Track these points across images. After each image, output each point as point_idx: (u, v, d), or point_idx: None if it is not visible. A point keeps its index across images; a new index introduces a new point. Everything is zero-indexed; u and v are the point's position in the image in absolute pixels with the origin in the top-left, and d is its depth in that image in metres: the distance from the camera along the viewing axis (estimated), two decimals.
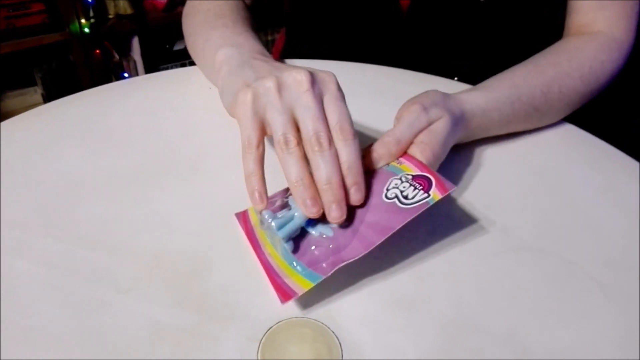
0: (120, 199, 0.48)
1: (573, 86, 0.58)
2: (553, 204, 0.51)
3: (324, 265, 0.41)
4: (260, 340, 0.38)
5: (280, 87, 0.41)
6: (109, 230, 0.45)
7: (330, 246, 0.41)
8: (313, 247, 0.42)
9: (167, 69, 1.83)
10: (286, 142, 0.40)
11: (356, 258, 0.40)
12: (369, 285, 0.42)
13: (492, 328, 0.40)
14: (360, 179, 0.41)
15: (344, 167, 0.41)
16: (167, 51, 1.80)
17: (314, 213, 0.40)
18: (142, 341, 0.38)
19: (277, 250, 0.42)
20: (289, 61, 0.67)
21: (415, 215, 0.40)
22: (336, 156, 0.41)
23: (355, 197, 0.41)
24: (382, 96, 0.64)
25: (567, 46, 0.62)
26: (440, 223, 0.47)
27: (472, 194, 0.51)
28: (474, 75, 0.70)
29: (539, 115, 0.57)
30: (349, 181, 0.41)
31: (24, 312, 0.39)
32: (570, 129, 0.61)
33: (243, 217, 0.46)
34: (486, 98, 0.53)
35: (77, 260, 0.43)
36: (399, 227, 0.40)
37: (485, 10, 0.67)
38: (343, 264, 0.40)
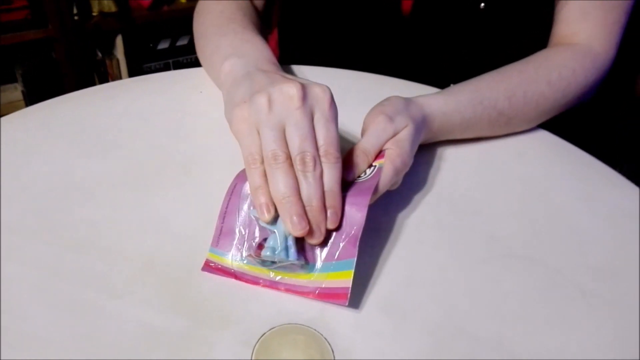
0: (113, 202, 0.48)
1: (540, 91, 0.59)
2: (537, 212, 0.52)
3: (343, 250, 0.42)
4: (254, 346, 0.38)
5: (271, 103, 0.42)
6: (102, 234, 0.45)
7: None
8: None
9: (150, 68, 1.81)
10: (274, 158, 0.41)
11: (362, 225, 0.42)
12: (360, 291, 0.43)
13: (480, 334, 0.41)
14: (337, 203, 0.42)
15: (325, 188, 0.42)
16: (151, 50, 1.78)
17: (299, 230, 0.40)
18: (135, 345, 0.38)
19: (291, 270, 0.43)
20: (285, 67, 0.67)
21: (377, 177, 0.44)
22: (320, 177, 0.42)
23: (331, 219, 0.42)
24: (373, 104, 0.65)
25: (538, 55, 0.63)
26: (429, 230, 0.48)
27: (458, 203, 0.52)
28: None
29: (505, 120, 0.59)
30: (327, 203, 0.42)
31: (17, 316, 0.39)
32: (551, 139, 0.62)
33: (214, 268, 0.43)
34: (446, 101, 0.55)
35: (69, 264, 0.43)
36: (374, 184, 0.44)
37: (485, 16, 0.68)
38: (358, 237, 0.42)
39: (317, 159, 0.42)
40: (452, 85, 0.72)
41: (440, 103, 0.55)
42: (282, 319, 0.40)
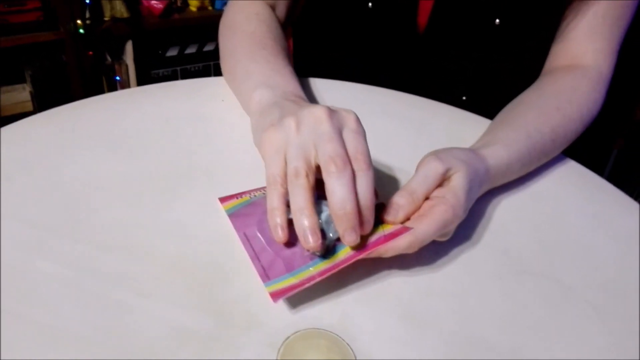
0: (140, 204, 0.50)
1: (575, 129, 0.61)
2: (550, 231, 0.54)
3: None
4: (279, 349, 0.39)
5: (299, 124, 0.43)
6: (130, 235, 0.47)
7: None
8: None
9: (158, 74, 1.83)
10: (296, 174, 0.41)
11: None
12: (381, 300, 0.44)
13: (495, 345, 0.42)
14: (369, 212, 0.42)
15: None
16: (160, 57, 1.80)
17: (309, 243, 0.41)
18: (163, 344, 0.39)
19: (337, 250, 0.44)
20: (300, 80, 0.69)
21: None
22: (352, 178, 0.41)
23: (362, 229, 0.42)
24: (391, 120, 0.67)
25: (564, 85, 0.64)
26: (445, 245, 0.49)
27: (474, 219, 0.54)
28: (483, 95, 0.73)
29: (546, 159, 0.61)
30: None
31: (46, 312, 0.40)
32: (563, 160, 0.64)
33: (281, 293, 0.42)
34: (509, 153, 0.54)
35: (97, 263, 0.44)
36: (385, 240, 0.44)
37: (500, 32, 0.69)
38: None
39: (347, 161, 0.41)
40: (464, 98, 0.74)
41: (504, 155, 0.54)
42: (305, 324, 0.41)
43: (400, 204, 0.45)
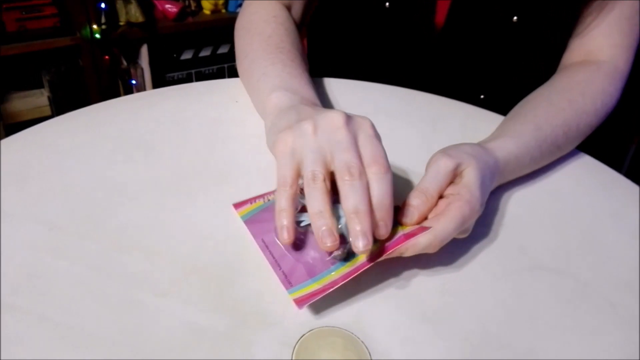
0: (155, 205, 0.50)
1: (589, 122, 0.61)
2: (566, 227, 0.53)
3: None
4: (294, 347, 0.39)
5: (316, 129, 0.43)
6: (145, 235, 0.47)
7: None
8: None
9: (173, 77, 1.85)
10: (313, 178, 0.41)
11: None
12: (396, 298, 0.44)
13: (511, 342, 0.42)
14: (388, 215, 0.42)
15: (374, 200, 0.41)
16: (175, 60, 1.82)
17: (327, 245, 0.40)
18: (178, 342, 0.39)
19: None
20: (315, 80, 0.69)
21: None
22: (366, 187, 0.41)
23: (381, 232, 0.42)
24: (405, 119, 0.66)
25: (577, 79, 0.64)
26: (461, 243, 0.49)
27: (490, 216, 0.53)
28: (501, 93, 0.72)
29: (559, 152, 0.60)
30: (377, 216, 0.41)
31: (64, 312, 0.40)
32: (579, 156, 0.63)
33: (306, 299, 0.42)
34: (517, 145, 0.54)
35: (114, 263, 0.44)
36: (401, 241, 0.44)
37: (517, 29, 0.69)
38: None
39: (362, 171, 0.41)
40: (482, 96, 0.73)
41: (511, 147, 0.54)
42: (319, 322, 0.42)
43: (414, 204, 0.45)
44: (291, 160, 0.43)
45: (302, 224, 0.45)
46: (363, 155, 0.42)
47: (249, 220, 0.48)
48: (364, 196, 0.40)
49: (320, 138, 0.43)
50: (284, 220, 0.42)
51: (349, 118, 0.44)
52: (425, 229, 0.44)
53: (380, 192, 0.41)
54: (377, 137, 0.44)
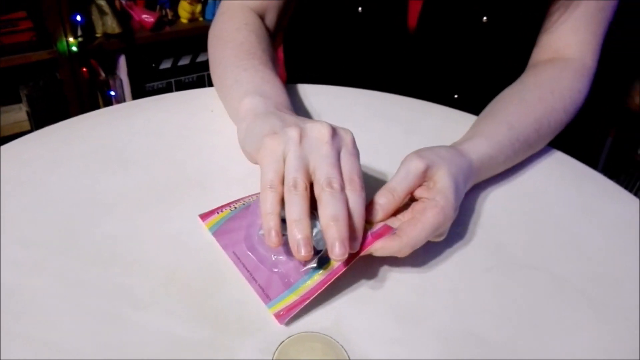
0: (133, 217, 0.50)
1: (559, 119, 0.62)
2: (540, 224, 0.54)
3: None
4: (273, 354, 0.40)
5: (302, 137, 0.44)
6: (124, 248, 0.47)
7: None
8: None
9: (153, 87, 1.84)
10: (295, 185, 0.42)
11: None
12: (374, 301, 0.45)
13: (490, 339, 0.43)
14: (359, 230, 0.43)
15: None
16: (154, 70, 1.81)
17: (301, 254, 0.41)
18: (160, 354, 0.39)
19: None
20: (291, 87, 0.69)
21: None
22: (346, 200, 0.42)
23: (352, 245, 0.42)
24: (380, 122, 0.67)
25: (546, 76, 0.65)
26: (437, 243, 0.49)
27: (464, 215, 0.54)
28: (474, 92, 0.73)
29: (531, 150, 0.61)
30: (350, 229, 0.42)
31: (44, 329, 0.40)
32: (551, 152, 0.64)
33: (286, 313, 0.43)
34: (490, 144, 0.55)
35: (93, 278, 0.44)
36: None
37: (487, 29, 0.70)
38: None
39: (343, 186, 0.43)
40: (456, 96, 0.74)
41: (485, 147, 0.54)
42: (299, 328, 0.42)
43: (380, 203, 0.46)
44: (277, 165, 0.43)
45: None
46: (343, 172, 0.43)
47: (218, 232, 0.48)
48: (344, 206, 0.42)
49: (306, 147, 0.44)
50: (271, 223, 0.42)
51: (334, 131, 0.45)
52: (391, 229, 0.45)
53: (353, 209, 0.43)
54: (357, 154, 0.46)
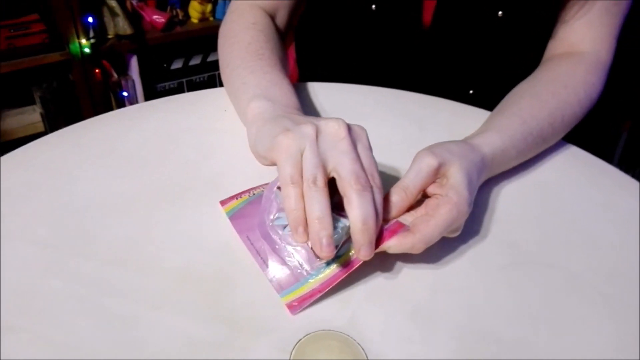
0: (147, 218, 0.51)
1: (573, 113, 0.61)
2: (555, 220, 0.54)
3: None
4: (291, 352, 0.40)
5: (318, 133, 0.44)
6: (138, 249, 0.48)
7: None
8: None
9: (164, 87, 1.85)
10: (314, 181, 0.42)
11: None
12: (390, 299, 0.45)
13: (504, 336, 0.43)
14: (379, 225, 0.43)
15: None
16: (165, 70, 1.82)
17: (324, 254, 0.41)
18: (175, 354, 0.40)
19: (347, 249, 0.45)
20: (303, 85, 0.69)
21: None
22: (372, 198, 0.42)
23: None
24: (392, 119, 0.67)
25: (560, 71, 0.65)
26: (451, 240, 0.49)
27: (479, 212, 0.54)
28: (489, 87, 0.73)
29: (545, 144, 0.61)
30: None
31: (60, 329, 0.41)
32: (567, 147, 0.64)
33: (299, 303, 0.43)
34: (502, 138, 0.55)
35: (108, 279, 0.45)
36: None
37: (503, 24, 0.69)
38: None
39: (368, 182, 0.43)
40: (471, 92, 0.74)
41: (497, 141, 0.54)
42: (315, 326, 0.42)
43: (393, 201, 0.46)
44: (295, 160, 0.43)
45: (276, 222, 0.45)
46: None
47: (234, 216, 0.49)
48: (373, 207, 0.42)
49: (322, 144, 0.44)
50: (299, 220, 0.42)
51: (349, 127, 0.45)
52: (403, 225, 0.45)
53: (376, 206, 0.43)
54: (371, 149, 0.46)
